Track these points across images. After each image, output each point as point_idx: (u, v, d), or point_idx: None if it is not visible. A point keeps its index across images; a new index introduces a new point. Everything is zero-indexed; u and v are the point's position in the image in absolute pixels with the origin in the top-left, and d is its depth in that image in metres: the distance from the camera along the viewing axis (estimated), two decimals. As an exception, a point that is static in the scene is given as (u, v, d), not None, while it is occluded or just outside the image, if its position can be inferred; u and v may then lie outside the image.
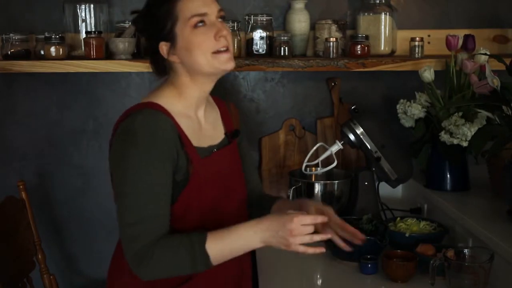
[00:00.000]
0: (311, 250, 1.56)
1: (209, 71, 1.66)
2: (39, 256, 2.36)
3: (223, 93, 2.01)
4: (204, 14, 1.62)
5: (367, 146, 2.25)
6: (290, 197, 2.25)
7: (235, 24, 2.54)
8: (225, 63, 1.65)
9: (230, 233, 1.55)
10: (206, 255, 1.51)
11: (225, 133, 1.79)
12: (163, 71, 1.72)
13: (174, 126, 1.61)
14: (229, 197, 1.73)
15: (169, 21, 1.62)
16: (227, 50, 1.65)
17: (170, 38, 1.63)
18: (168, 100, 1.66)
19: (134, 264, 1.55)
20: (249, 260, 1.87)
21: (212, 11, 1.64)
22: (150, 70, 2.18)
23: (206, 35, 1.62)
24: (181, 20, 1.62)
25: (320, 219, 1.56)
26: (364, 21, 2.58)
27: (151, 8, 1.67)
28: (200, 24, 1.62)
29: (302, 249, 1.54)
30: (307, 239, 1.54)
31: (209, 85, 1.72)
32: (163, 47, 1.65)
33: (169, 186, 1.59)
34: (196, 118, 1.71)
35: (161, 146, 1.57)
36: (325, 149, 2.27)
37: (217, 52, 1.63)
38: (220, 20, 1.67)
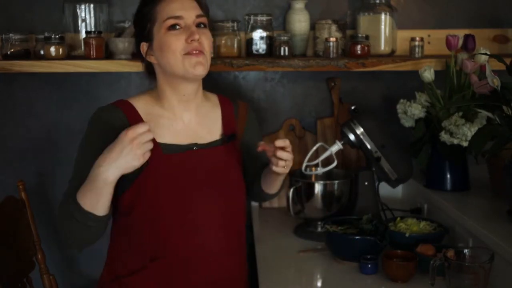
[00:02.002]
0: (148, 154, 1.56)
1: (180, 73, 1.71)
2: (39, 256, 2.35)
3: (229, 94, 2.04)
4: (179, 17, 1.69)
5: (367, 146, 2.25)
6: (290, 197, 2.25)
7: (235, 24, 2.54)
8: (194, 65, 1.69)
9: (89, 176, 1.58)
10: (76, 202, 1.58)
11: (221, 135, 1.83)
12: (149, 71, 1.82)
13: (127, 122, 1.69)
14: (203, 192, 1.73)
15: (148, 22, 1.72)
16: (199, 53, 1.69)
17: (149, 38, 1.73)
18: (142, 101, 1.77)
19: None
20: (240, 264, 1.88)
21: (189, 16, 1.70)
22: None
23: (178, 37, 1.69)
24: (158, 22, 1.70)
25: (142, 126, 1.54)
26: (364, 21, 2.58)
27: (138, 9, 1.78)
28: (176, 27, 1.69)
29: (147, 155, 1.55)
30: (148, 145, 1.55)
31: (186, 89, 1.76)
32: (144, 47, 1.76)
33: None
34: (177, 118, 1.77)
35: (99, 136, 1.68)
36: (325, 149, 2.27)
37: (188, 53, 1.69)
38: (202, 26, 1.74)
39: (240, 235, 1.82)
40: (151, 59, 1.75)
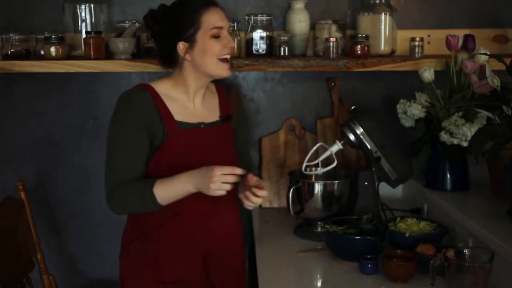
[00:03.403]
0: (222, 192, 1.90)
1: (211, 73, 2.07)
2: (39, 256, 2.36)
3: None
4: (221, 28, 2.04)
5: (367, 146, 2.25)
6: (290, 197, 2.25)
7: (235, 24, 2.54)
8: (225, 70, 2.07)
9: (173, 180, 1.95)
10: (153, 197, 1.94)
11: (220, 116, 2.14)
12: (170, 63, 2.09)
13: (154, 102, 2.02)
14: (210, 160, 1.99)
15: (192, 27, 2.01)
16: (228, 61, 2.07)
17: (190, 41, 2.01)
18: (162, 85, 2.07)
19: (107, 201, 2.00)
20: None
21: (226, 26, 2.06)
22: (150, 70, 2.48)
23: (218, 44, 2.03)
24: (203, 29, 2.01)
25: (238, 171, 1.91)
26: (364, 21, 2.58)
27: (180, 12, 2.03)
28: (217, 35, 2.02)
29: (218, 192, 1.90)
30: (225, 186, 1.89)
31: (205, 82, 2.12)
32: (181, 46, 2.02)
33: (143, 146, 2.00)
34: (189, 102, 2.10)
35: (134, 115, 1.99)
36: (325, 149, 2.28)
37: (222, 60, 2.05)
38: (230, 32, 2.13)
39: (235, 194, 2.07)
40: (187, 57, 2.03)
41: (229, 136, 2.16)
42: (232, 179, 1.90)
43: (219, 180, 1.88)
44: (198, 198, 1.98)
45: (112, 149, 2.01)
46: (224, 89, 2.25)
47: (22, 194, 2.35)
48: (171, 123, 2.02)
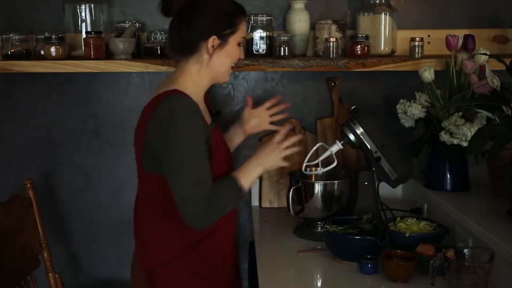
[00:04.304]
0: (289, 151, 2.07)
1: (220, 76, 2.06)
2: (45, 255, 2.37)
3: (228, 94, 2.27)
4: (244, 38, 2.12)
5: (367, 146, 2.25)
6: (290, 198, 2.25)
7: (235, 24, 2.54)
8: (229, 76, 2.10)
9: (245, 170, 2.02)
10: (242, 188, 1.98)
11: (210, 113, 2.12)
12: (184, 53, 2.02)
13: (198, 107, 1.97)
14: (228, 159, 2.13)
15: (230, 29, 2.00)
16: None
17: (224, 39, 2.00)
18: (187, 88, 1.99)
19: (199, 219, 1.90)
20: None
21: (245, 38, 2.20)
22: (150, 70, 2.48)
23: (238, 53, 2.07)
24: (237, 34, 2.03)
25: (283, 129, 2.10)
26: (364, 21, 2.58)
27: (224, 8, 2.00)
28: (240, 44, 2.06)
29: (288, 151, 2.06)
30: (288, 150, 2.06)
31: (211, 84, 2.09)
32: (212, 40, 1.98)
33: (206, 153, 1.94)
34: (201, 101, 2.06)
35: (199, 121, 1.94)
36: (325, 149, 2.28)
37: (232, 68, 2.09)
38: None
39: None
40: (211, 52, 1.99)
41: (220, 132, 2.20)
42: (296, 148, 2.09)
43: (282, 146, 2.05)
44: None
45: (190, 163, 1.89)
46: None
47: (30, 193, 2.37)
48: (207, 127, 2.01)
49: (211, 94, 2.38)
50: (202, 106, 2.04)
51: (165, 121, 1.90)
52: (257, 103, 2.72)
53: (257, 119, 2.31)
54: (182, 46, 2.01)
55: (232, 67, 2.09)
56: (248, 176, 2.02)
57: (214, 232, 2.03)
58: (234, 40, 2.01)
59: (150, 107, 1.96)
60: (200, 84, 2.04)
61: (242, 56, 2.10)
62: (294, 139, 2.09)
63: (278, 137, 2.07)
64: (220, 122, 2.18)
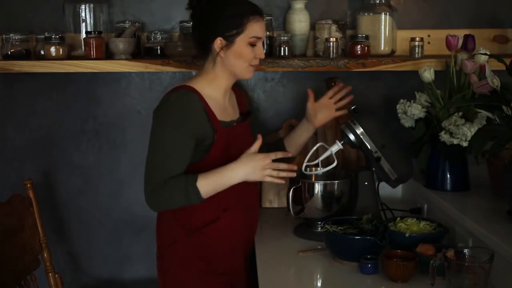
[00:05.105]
0: (277, 180, 2.04)
1: (238, 74, 2.12)
2: (45, 255, 2.37)
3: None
4: (259, 38, 2.09)
5: (367, 146, 2.25)
6: (290, 198, 2.25)
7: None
8: (250, 73, 2.13)
9: (216, 173, 2.01)
10: (197, 191, 1.98)
11: (240, 113, 2.22)
12: (203, 54, 2.11)
13: (202, 105, 2.04)
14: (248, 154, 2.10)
15: (235, 29, 2.04)
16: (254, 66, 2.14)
17: (229, 40, 2.05)
18: (201, 85, 2.08)
19: (147, 199, 2.02)
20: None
21: (263, 36, 2.11)
22: (150, 70, 2.52)
23: (252, 52, 2.07)
24: (245, 34, 2.05)
25: (279, 154, 2.06)
26: (364, 21, 2.58)
27: (228, 10, 2.04)
28: (254, 43, 2.07)
29: (269, 179, 2.03)
30: (275, 173, 2.03)
31: (233, 80, 2.16)
32: (218, 42, 2.05)
33: (189, 150, 2.02)
34: (222, 100, 2.14)
35: (186, 119, 2.01)
36: (325, 149, 2.27)
37: (251, 65, 2.10)
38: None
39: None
40: (220, 54, 2.06)
41: (249, 132, 2.23)
42: (283, 166, 2.04)
43: (272, 167, 2.02)
44: (243, 193, 2.12)
45: (158, 150, 2.02)
46: (238, 86, 2.31)
47: (31, 193, 2.37)
48: (218, 124, 2.06)
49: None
50: (223, 102, 2.13)
51: (158, 110, 2.05)
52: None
53: (324, 111, 2.32)
54: (197, 47, 2.14)
55: (258, 65, 2.13)
56: (216, 180, 2.01)
57: (215, 222, 2.10)
58: (241, 40, 2.04)
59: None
60: (218, 82, 2.11)
61: (261, 56, 2.10)
62: (285, 167, 2.04)
63: (271, 155, 2.03)
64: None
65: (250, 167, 2.01)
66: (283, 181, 2.06)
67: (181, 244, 2.13)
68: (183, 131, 2.01)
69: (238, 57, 2.07)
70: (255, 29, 2.06)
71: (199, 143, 2.05)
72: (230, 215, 2.13)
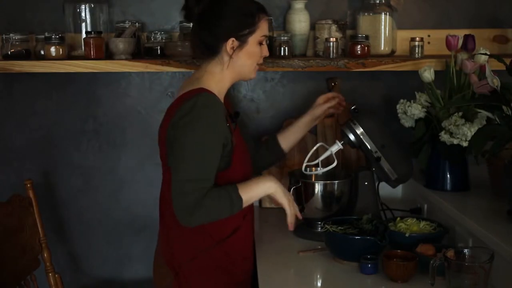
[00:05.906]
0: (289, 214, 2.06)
1: (245, 74, 2.09)
2: (45, 255, 2.37)
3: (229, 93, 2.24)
4: (267, 36, 2.09)
5: (367, 146, 2.25)
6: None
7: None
8: (255, 73, 2.11)
9: (252, 184, 2.00)
10: (240, 200, 1.94)
11: (229, 115, 2.10)
12: (205, 55, 2.05)
13: (224, 106, 2.01)
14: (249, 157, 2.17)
15: (248, 29, 2.01)
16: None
17: (242, 40, 2.01)
18: (212, 88, 2.01)
19: (185, 214, 1.90)
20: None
21: (267, 36, 2.10)
22: (150, 70, 2.51)
23: (260, 51, 2.07)
24: (256, 34, 2.03)
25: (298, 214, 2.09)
26: (364, 21, 2.58)
27: (240, 9, 2.02)
28: (262, 42, 2.07)
29: (287, 206, 2.05)
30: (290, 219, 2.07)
31: (234, 82, 2.12)
32: (231, 43, 2.00)
33: (218, 155, 1.95)
34: (222, 101, 2.06)
35: (218, 122, 1.96)
36: (325, 149, 2.27)
37: (257, 65, 2.09)
38: None
39: None
40: (232, 54, 2.02)
41: (239, 133, 2.18)
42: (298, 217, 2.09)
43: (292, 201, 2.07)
44: None
45: (194, 159, 1.91)
46: None
47: (31, 193, 2.37)
48: (231, 127, 2.03)
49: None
50: (222, 101, 2.06)
51: (185, 115, 1.93)
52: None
53: (332, 102, 2.34)
54: (203, 49, 2.05)
55: (259, 64, 2.10)
56: (255, 190, 2.00)
57: (238, 230, 2.07)
58: (253, 39, 2.02)
59: (175, 106, 1.99)
60: (223, 84, 2.06)
61: (267, 54, 2.09)
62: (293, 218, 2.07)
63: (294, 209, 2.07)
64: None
65: (282, 186, 2.03)
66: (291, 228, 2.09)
67: (204, 257, 2.04)
68: (216, 137, 1.94)
69: (250, 57, 2.04)
70: (265, 27, 2.06)
71: (223, 149, 1.97)
72: (248, 222, 2.12)
